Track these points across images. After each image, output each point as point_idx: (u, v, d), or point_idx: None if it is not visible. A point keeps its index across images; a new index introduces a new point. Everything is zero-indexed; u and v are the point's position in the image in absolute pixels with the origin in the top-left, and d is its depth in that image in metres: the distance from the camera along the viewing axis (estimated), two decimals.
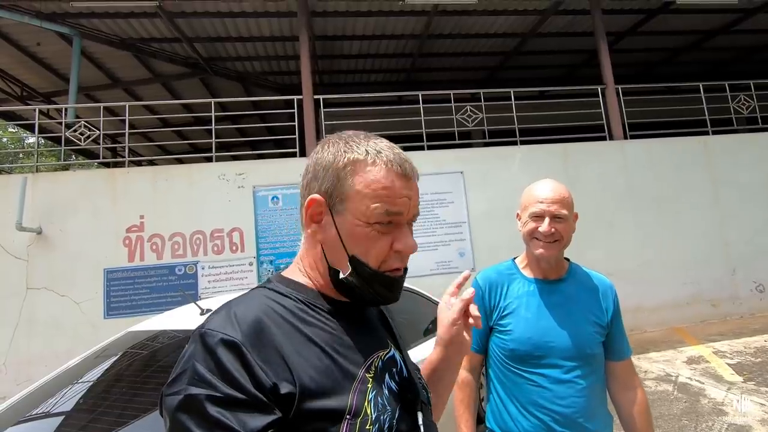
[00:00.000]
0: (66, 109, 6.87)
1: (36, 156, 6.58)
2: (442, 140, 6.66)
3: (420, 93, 6.92)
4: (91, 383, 2.03)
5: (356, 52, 9.15)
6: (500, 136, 6.93)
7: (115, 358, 2.16)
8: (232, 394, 0.56)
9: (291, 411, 0.58)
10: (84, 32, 7.52)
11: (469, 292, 0.91)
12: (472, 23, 8.29)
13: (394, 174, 0.69)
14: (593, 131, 6.98)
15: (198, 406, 0.55)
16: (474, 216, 6.24)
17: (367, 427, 0.62)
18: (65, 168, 7.61)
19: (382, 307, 0.92)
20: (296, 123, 6.42)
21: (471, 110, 6.99)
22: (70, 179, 5.82)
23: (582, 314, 1.32)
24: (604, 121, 7.07)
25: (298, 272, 0.75)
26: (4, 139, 20.58)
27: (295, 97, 6.62)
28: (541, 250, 1.30)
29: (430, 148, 6.56)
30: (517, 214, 1.39)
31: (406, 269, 0.75)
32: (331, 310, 0.71)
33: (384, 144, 0.73)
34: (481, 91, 7.02)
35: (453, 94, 6.94)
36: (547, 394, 1.26)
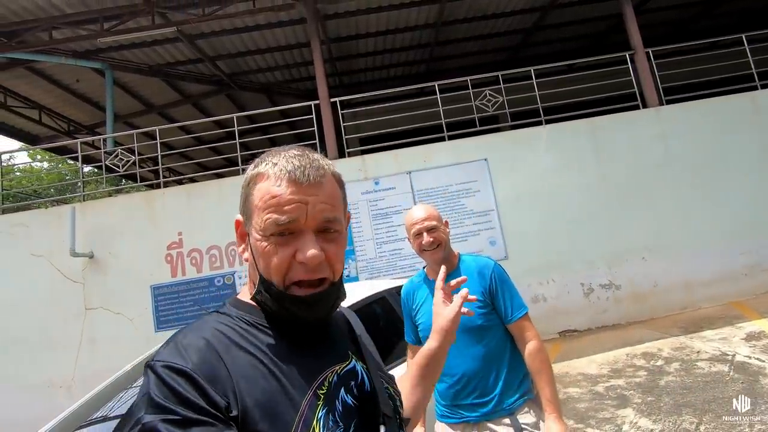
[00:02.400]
0: (105, 139, 7.35)
1: (82, 186, 7.08)
2: (467, 128, 6.52)
3: (436, 83, 6.80)
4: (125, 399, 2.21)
5: (372, 49, 9.15)
6: (526, 117, 6.70)
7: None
8: (188, 416, 0.56)
9: None
10: (115, 64, 8.00)
11: (462, 293, 1.03)
12: (487, 4, 8.05)
13: (284, 181, 0.67)
14: (625, 101, 6.59)
15: None
16: (502, 203, 6.09)
17: None
18: (110, 194, 8.15)
19: (350, 317, 0.90)
20: (315, 127, 6.52)
21: (490, 94, 6.81)
22: (113, 204, 6.25)
23: None
24: (635, 89, 6.66)
25: (248, 293, 0.75)
26: (64, 171, 22.27)
27: (313, 103, 6.71)
28: (430, 257, 1.71)
29: (450, 138, 6.45)
30: (407, 238, 1.79)
31: (333, 283, 0.70)
32: (281, 330, 0.70)
33: (291, 153, 0.70)
34: (499, 73, 6.81)
35: (470, 80, 6.77)
36: (445, 364, 1.55)
